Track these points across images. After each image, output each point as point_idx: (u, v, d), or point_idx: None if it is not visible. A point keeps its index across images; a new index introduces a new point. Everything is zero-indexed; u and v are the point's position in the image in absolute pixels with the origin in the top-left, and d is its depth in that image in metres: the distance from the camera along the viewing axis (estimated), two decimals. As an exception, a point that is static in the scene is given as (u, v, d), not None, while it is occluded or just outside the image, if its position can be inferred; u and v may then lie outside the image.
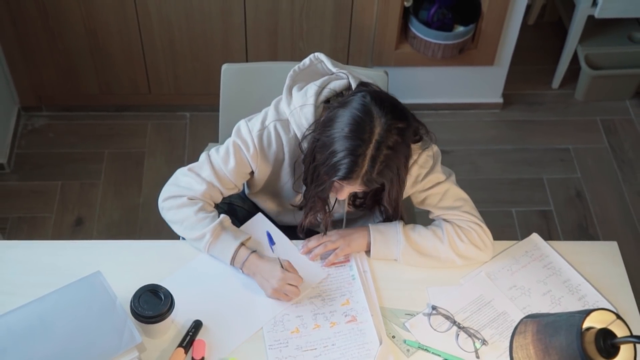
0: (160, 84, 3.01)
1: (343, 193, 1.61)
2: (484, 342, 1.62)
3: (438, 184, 1.75)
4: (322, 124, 1.58)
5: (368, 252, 1.77)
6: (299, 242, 1.79)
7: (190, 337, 1.59)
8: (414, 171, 1.71)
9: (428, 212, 1.82)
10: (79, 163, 2.96)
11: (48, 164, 2.95)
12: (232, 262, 1.70)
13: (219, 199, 1.78)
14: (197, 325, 1.61)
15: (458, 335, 1.64)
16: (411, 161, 1.67)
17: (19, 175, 2.91)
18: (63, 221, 2.78)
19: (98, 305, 1.55)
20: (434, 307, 1.66)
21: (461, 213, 1.75)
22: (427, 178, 1.73)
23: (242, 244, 1.71)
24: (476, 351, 1.61)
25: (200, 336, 1.60)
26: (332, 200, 1.73)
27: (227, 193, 1.78)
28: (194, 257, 1.74)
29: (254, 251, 1.71)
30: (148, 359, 1.57)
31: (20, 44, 2.85)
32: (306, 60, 1.73)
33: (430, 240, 1.75)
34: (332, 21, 2.81)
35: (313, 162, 1.61)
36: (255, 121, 1.71)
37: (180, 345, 1.57)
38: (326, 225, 1.76)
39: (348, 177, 1.52)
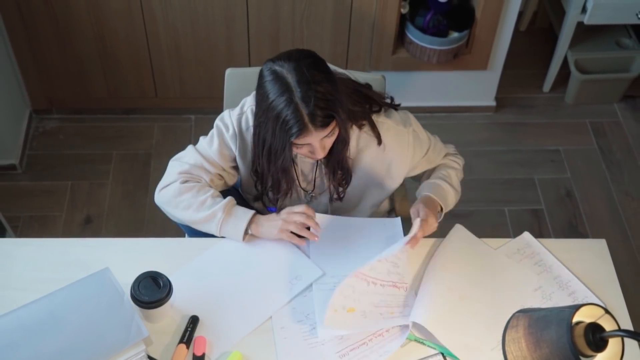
0: (166, 88, 3.01)
1: (314, 151, 1.62)
2: None
3: (429, 149, 1.85)
4: (255, 113, 1.66)
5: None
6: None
7: (189, 332, 1.58)
8: (416, 156, 1.81)
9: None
10: (88, 164, 2.96)
11: (58, 164, 2.95)
12: (245, 233, 1.71)
13: (216, 182, 1.79)
14: (194, 321, 1.60)
15: None
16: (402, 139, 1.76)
17: (31, 176, 2.91)
18: (73, 220, 2.78)
19: (106, 301, 1.55)
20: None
21: (446, 158, 1.91)
22: (422, 150, 1.83)
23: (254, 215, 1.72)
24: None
25: (201, 331, 1.60)
26: (312, 174, 1.79)
27: (215, 175, 1.77)
28: (197, 255, 1.74)
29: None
30: (153, 353, 1.57)
31: (31, 49, 2.85)
32: None
33: (452, 176, 1.88)
34: (331, 27, 2.81)
35: (263, 145, 1.64)
36: (236, 109, 1.77)
37: (181, 341, 1.57)
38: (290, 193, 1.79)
39: (300, 128, 1.53)
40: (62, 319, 1.52)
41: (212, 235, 1.76)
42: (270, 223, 1.71)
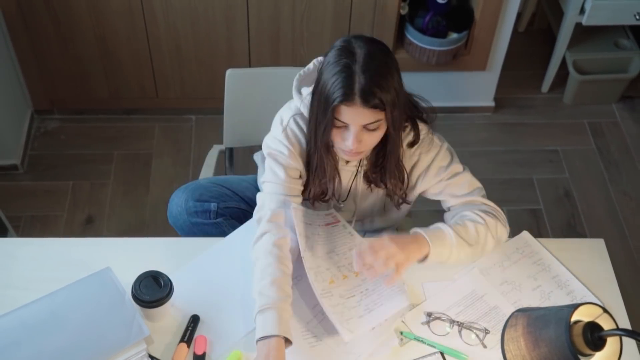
0: (167, 88, 3.01)
1: (347, 138, 1.50)
2: (487, 331, 1.62)
3: (457, 174, 1.72)
4: (315, 80, 1.56)
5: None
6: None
7: (190, 331, 1.58)
8: (436, 164, 1.70)
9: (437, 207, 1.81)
10: (90, 164, 2.96)
11: (60, 164, 2.95)
12: (260, 336, 1.49)
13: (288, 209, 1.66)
14: (195, 320, 1.60)
15: (461, 332, 1.63)
16: (429, 149, 1.69)
17: (32, 176, 2.91)
18: (74, 219, 2.78)
19: (108, 300, 1.55)
20: (429, 314, 1.65)
21: (480, 198, 1.72)
22: (449, 169, 1.71)
23: (283, 338, 1.49)
24: (481, 342, 1.61)
25: (202, 330, 1.60)
26: (341, 166, 1.68)
27: (296, 199, 1.67)
28: (198, 254, 1.74)
29: (284, 340, 1.49)
30: (154, 352, 1.57)
31: (33, 51, 2.85)
32: (310, 65, 1.71)
33: (470, 226, 1.65)
34: (331, 28, 2.81)
35: (313, 118, 1.54)
36: (274, 129, 1.69)
37: (182, 340, 1.57)
38: (333, 192, 1.70)
39: (345, 94, 1.43)
40: (63, 318, 1.52)
41: (211, 235, 1.76)
42: None
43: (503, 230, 1.71)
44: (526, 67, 3.42)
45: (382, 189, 1.73)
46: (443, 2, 2.75)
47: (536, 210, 2.91)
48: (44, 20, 2.74)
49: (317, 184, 1.69)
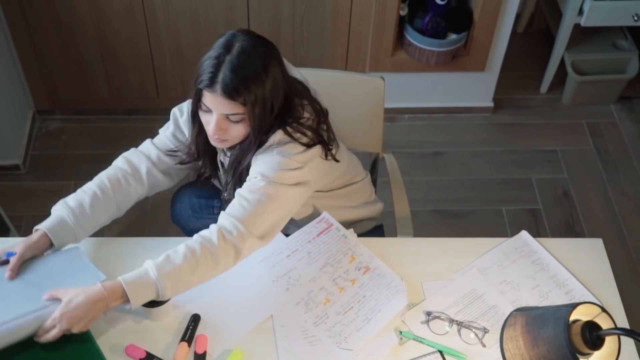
0: (167, 88, 3.01)
1: (210, 122, 1.55)
2: (486, 330, 1.62)
3: (262, 175, 1.58)
4: None
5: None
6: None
7: (190, 331, 1.58)
8: (256, 168, 1.62)
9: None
10: (91, 164, 2.95)
11: (61, 164, 2.95)
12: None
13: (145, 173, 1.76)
14: (195, 319, 1.60)
15: (460, 331, 1.63)
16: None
17: (34, 176, 2.91)
18: (75, 219, 2.78)
19: (73, 268, 1.60)
20: (428, 314, 1.65)
21: (229, 226, 1.54)
22: (252, 184, 1.59)
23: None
24: (480, 341, 1.61)
25: (203, 329, 1.60)
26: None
27: (161, 157, 1.76)
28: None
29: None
30: (155, 351, 1.56)
31: (35, 51, 2.85)
32: None
33: (181, 253, 1.52)
34: (331, 29, 2.81)
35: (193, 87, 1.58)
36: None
37: (182, 339, 1.57)
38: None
39: (210, 80, 1.49)
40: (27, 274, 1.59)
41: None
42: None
43: (226, 261, 1.54)
44: (525, 67, 3.42)
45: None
46: (442, 3, 2.75)
47: (535, 210, 2.91)
48: (45, 20, 2.74)
49: (206, 164, 1.76)
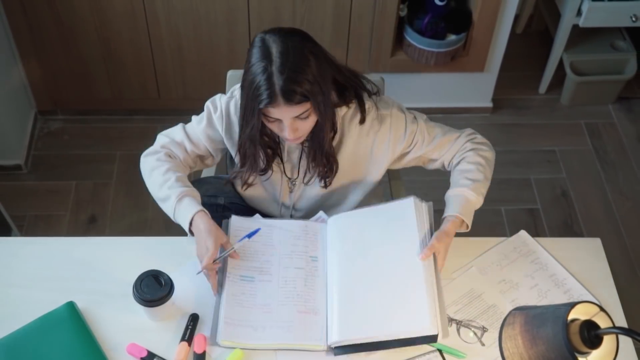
0: (169, 89, 3.01)
1: (283, 129, 1.57)
2: (485, 329, 1.62)
3: (415, 132, 1.75)
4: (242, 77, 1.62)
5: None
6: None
7: (190, 330, 1.58)
8: (393, 135, 1.73)
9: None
10: (92, 164, 2.96)
11: (63, 164, 2.95)
12: (189, 219, 1.65)
13: (190, 162, 1.79)
14: (194, 319, 1.60)
15: (459, 330, 1.63)
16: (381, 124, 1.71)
17: (36, 176, 2.91)
18: (77, 219, 2.78)
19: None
20: None
21: (460, 137, 1.79)
22: (408, 131, 1.74)
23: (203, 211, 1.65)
24: (479, 339, 1.61)
25: (202, 329, 1.59)
26: (298, 160, 1.76)
27: (192, 155, 1.77)
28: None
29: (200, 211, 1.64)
30: (156, 350, 1.56)
31: (37, 51, 2.85)
32: None
33: (475, 170, 1.74)
34: (331, 30, 2.81)
35: (242, 111, 1.61)
36: (227, 93, 1.77)
37: (182, 339, 1.57)
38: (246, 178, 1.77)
39: (269, 96, 1.49)
40: None
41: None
42: (204, 241, 1.62)
43: (492, 153, 1.83)
44: (524, 68, 3.42)
45: (307, 168, 1.77)
46: (442, 4, 2.75)
47: (533, 209, 2.91)
48: (47, 22, 2.74)
49: (249, 174, 1.76)
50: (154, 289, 1.55)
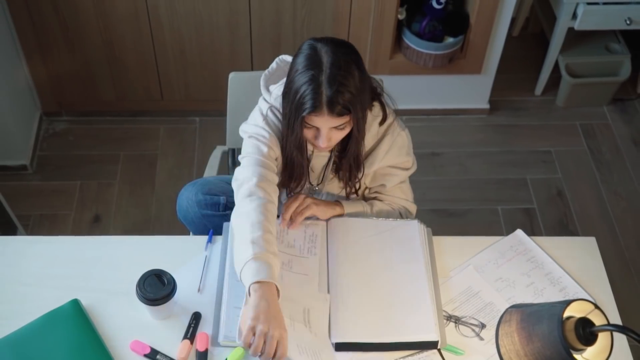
0: (171, 91, 3.01)
1: (319, 137, 1.57)
2: (483, 325, 1.62)
3: (406, 169, 1.80)
4: (285, 83, 1.60)
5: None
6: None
7: (192, 328, 1.58)
8: (395, 148, 1.75)
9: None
10: (97, 164, 2.96)
11: (68, 165, 2.95)
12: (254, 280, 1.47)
13: (272, 183, 1.66)
14: (197, 317, 1.60)
15: (457, 327, 1.63)
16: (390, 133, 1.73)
17: (41, 176, 2.91)
18: (82, 218, 2.78)
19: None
20: None
21: (408, 206, 1.85)
22: (402, 158, 1.77)
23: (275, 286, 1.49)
24: (478, 335, 1.61)
25: (204, 327, 1.59)
26: (322, 170, 1.77)
27: (273, 177, 1.67)
28: (201, 253, 1.73)
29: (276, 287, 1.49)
30: (159, 348, 1.56)
31: (42, 54, 2.84)
32: (273, 64, 1.76)
33: (385, 208, 1.82)
34: (331, 33, 2.81)
35: (285, 118, 1.59)
36: (255, 118, 1.72)
37: (185, 337, 1.57)
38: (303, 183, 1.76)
39: (314, 106, 1.49)
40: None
41: (219, 233, 1.76)
42: (259, 320, 1.42)
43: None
44: (520, 70, 3.42)
45: (340, 178, 1.78)
46: (439, 7, 2.75)
47: (530, 209, 2.91)
48: (52, 25, 2.74)
49: (286, 176, 1.74)
50: (156, 288, 1.55)
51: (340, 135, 1.60)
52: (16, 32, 2.77)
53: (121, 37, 2.79)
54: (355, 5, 2.72)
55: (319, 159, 1.76)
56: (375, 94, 1.69)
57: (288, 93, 1.56)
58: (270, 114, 1.70)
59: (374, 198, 1.85)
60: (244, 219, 1.56)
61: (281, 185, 1.75)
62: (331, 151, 1.74)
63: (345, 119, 1.53)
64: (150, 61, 2.88)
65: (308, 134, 1.60)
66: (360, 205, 1.81)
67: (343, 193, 1.83)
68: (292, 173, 1.72)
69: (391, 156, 1.76)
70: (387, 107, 1.72)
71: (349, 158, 1.70)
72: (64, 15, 2.71)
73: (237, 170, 1.68)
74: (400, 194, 1.84)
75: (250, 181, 1.61)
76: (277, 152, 1.69)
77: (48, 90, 2.99)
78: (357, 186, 1.80)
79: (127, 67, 2.90)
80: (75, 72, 2.92)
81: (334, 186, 1.82)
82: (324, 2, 2.70)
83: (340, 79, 1.49)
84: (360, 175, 1.76)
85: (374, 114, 1.71)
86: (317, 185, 1.82)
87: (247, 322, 1.41)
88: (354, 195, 1.82)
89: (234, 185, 1.66)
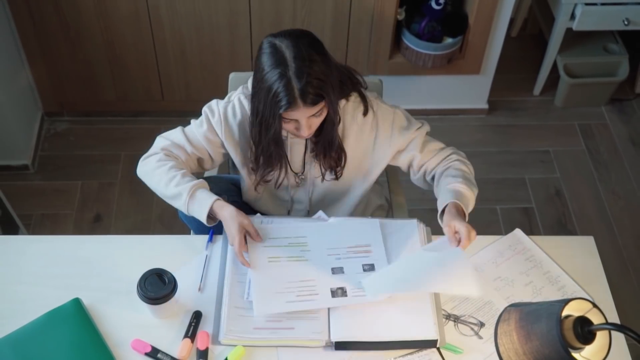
0: (172, 91, 3.01)
1: (300, 128, 1.60)
2: (482, 324, 1.62)
3: (419, 133, 1.80)
4: (252, 83, 1.64)
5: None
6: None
7: (193, 327, 1.58)
8: (397, 126, 1.75)
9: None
10: (98, 164, 2.96)
11: (69, 165, 2.95)
12: (209, 217, 1.66)
13: (191, 164, 1.78)
14: (197, 316, 1.60)
15: (457, 325, 1.63)
16: (382, 120, 1.74)
17: (43, 176, 2.91)
18: (83, 218, 2.78)
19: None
20: None
21: (450, 151, 1.81)
22: (411, 128, 1.77)
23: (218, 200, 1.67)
24: (477, 334, 1.61)
25: (205, 326, 1.59)
26: (302, 157, 1.78)
27: (192, 157, 1.77)
28: (201, 252, 1.73)
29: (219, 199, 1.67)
30: (160, 347, 1.56)
31: (43, 55, 2.84)
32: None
33: (465, 172, 1.75)
34: (330, 33, 2.81)
35: (256, 116, 1.63)
36: (225, 98, 1.79)
37: (185, 336, 1.57)
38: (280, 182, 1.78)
39: (289, 102, 1.53)
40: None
41: (220, 232, 1.76)
42: (229, 229, 1.66)
43: (472, 169, 1.82)
44: (519, 70, 3.42)
45: (319, 162, 1.78)
46: (438, 8, 2.75)
47: (528, 208, 2.91)
48: (53, 25, 2.74)
49: (262, 173, 1.77)
50: (157, 287, 1.55)
51: (318, 121, 1.63)
52: (18, 33, 2.77)
53: (122, 38, 2.79)
54: (355, 6, 2.72)
55: (296, 148, 1.78)
56: (352, 85, 1.72)
57: (258, 93, 1.60)
58: (236, 102, 1.75)
59: (432, 177, 1.81)
60: (155, 173, 1.71)
61: (260, 177, 1.79)
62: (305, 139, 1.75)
63: (321, 104, 1.57)
64: (151, 61, 2.88)
65: (288, 127, 1.63)
66: (464, 190, 1.70)
67: (337, 185, 1.83)
68: (269, 163, 1.75)
69: (398, 138, 1.76)
70: (367, 96, 1.74)
71: (323, 141, 1.71)
72: (65, 16, 2.71)
73: (165, 133, 1.80)
74: (435, 149, 1.81)
75: (164, 145, 1.76)
76: (220, 136, 1.75)
77: (49, 91, 2.99)
78: (340, 173, 1.79)
79: (128, 67, 2.90)
80: (76, 73, 2.92)
81: (318, 171, 1.82)
82: (323, 2, 2.70)
83: (306, 70, 1.52)
84: (342, 159, 1.76)
85: (354, 106, 1.72)
86: (302, 173, 1.83)
87: (236, 237, 1.62)
88: (332, 177, 1.81)
89: (157, 139, 1.80)
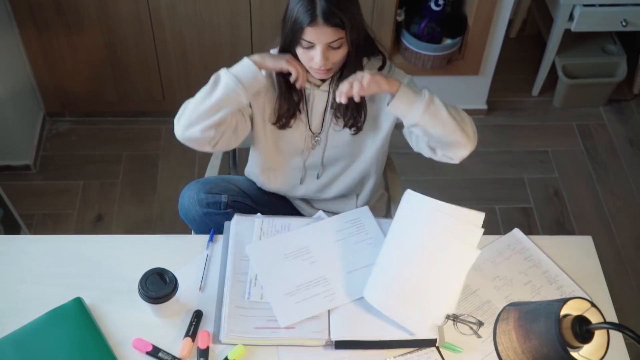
0: (173, 92, 3.01)
1: (316, 55, 1.61)
2: (481, 323, 1.62)
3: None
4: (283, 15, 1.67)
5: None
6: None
7: (194, 326, 1.58)
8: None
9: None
10: (99, 164, 2.96)
11: (71, 165, 2.95)
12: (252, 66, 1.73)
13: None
14: (198, 315, 1.60)
15: (456, 324, 1.63)
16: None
17: (44, 176, 2.91)
18: (84, 217, 2.78)
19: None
20: None
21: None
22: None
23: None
24: (476, 333, 1.61)
25: (205, 325, 1.59)
26: (322, 114, 1.78)
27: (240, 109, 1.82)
28: (202, 251, 1.73)
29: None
30: (161, 346, 1.56)
31: (45, 56, 2.84)
32: None
33: (446, 107, 1.73)
34: (330, 34, 2.81)
35: (283, 43, 1.68)
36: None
37: (186, 335, 1.57)
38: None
39: (311, 16, 1.55)
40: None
41: (220, 232, 1.76)
42: (272, 62, 1.72)
43: (469, 127, 1.82)
44: (517, 71, 3.42)
45: (342, 117, 1.77)
46: (438, 9, 2.75)
47: (527, 208, 2.91)
48: (55, 26, 2.74)
49: (284, 102, 1.77)
50: (158, 286, 1.55)
51: (336, 56, 1.63)
52: (19, 33, 2.77)
53: (123, 39, 2.79)
54: (355, 7, 2.72)
55: (317, 101, 1.77)
56: (375, 48, 1.75)
57: (285, 21, 1.64)
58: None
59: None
60: (194, 99, 1.82)
61: (280, 118, 1.80)
62: (329, 91, 1.75)
63: (340, 34, 1.58)
64: (152, 62, 2.88)
65: (305, 56, 1.64)
66: (419, 90, 1.70)
67: (351, 143, 1.83)
68: (289, 96, 1.76)
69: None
70: (386, 56, 1.77)
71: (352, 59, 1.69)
72: (66, 17, 2.71)
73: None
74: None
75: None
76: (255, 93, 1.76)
77: (51, 91, 2.99)
78: (361, 123, 1.79)
79: (129, 68, 2.90)
80: (78, 73, 2.92)
81: (338, 138, 1.82)
82: (323, 4, 2.70)
83: None
84: (362, 113, 1.76)
85: (373, 62, 1.75)
86: (319, 134, 1.82)
87: (280, 61, 1.70)
88: (352, 132, 1.80)
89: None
